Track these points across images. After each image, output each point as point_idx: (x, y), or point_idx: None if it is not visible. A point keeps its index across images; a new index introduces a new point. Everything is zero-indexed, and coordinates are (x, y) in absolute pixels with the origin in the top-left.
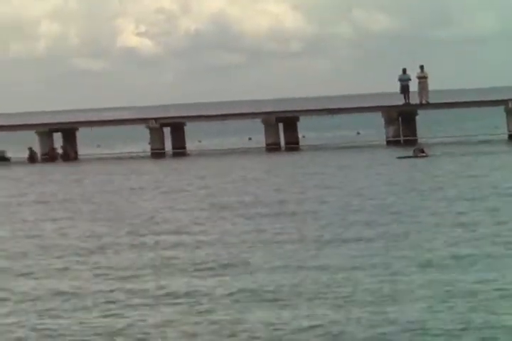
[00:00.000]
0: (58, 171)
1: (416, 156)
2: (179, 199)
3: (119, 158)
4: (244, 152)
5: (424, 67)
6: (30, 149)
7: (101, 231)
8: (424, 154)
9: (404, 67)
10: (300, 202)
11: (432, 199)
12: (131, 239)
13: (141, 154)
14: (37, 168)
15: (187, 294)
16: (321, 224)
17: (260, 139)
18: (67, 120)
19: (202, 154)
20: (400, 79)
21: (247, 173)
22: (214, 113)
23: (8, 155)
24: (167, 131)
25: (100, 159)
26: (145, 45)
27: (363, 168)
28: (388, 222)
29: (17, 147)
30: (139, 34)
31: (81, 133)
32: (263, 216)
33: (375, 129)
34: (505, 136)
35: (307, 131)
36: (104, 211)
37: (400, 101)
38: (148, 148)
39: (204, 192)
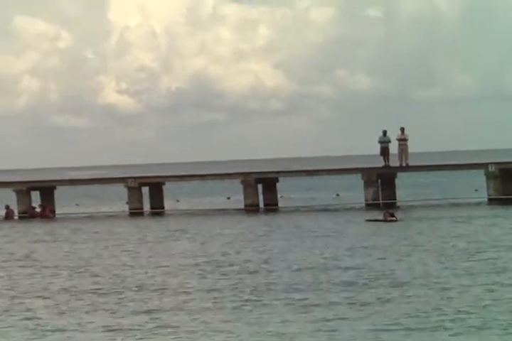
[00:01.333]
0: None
1: (385, 220)
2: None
3: (96, 217)
4: (223, 213)
5: (405, 129)
6: (7, 207)
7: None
8: (393, 218)
9: (385, 129)
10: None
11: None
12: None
13: (119, 213)
14: (11, 225)
15: None
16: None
17: (239, 199)
18: (46, 178)
19: (180, 214)
20: (380, 141)
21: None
22: (193, 172)
23: None
24: (146, 190)
25: (77, 218)
26: (126, 102)
27: (328, 231)
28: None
29: None
30: (119, 91)
31: (60, 192)
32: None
33: (355, 191)
34: (485, 200)
35: (287, 192)
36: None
37: (380, 163)
38: (126, 207)
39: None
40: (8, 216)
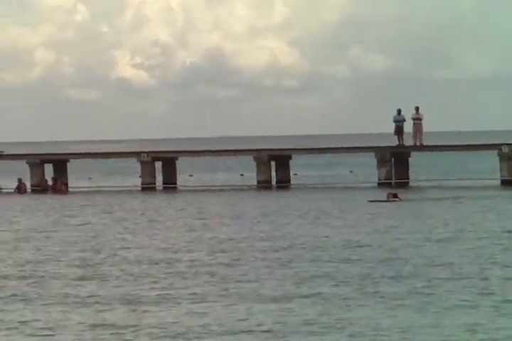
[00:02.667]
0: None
1: (387, 201)
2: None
3: (109, 192)
4: (235, 189)
5: (420, 108)
6: (20, 180)
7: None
8: (396, 199)
9: (400, 107)
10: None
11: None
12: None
13: (132, 188)
14: (24, 198)
15: None
16: None
17: (252, 176)
18: (59, 151)
19: (192, 190)
20: (395, 120)
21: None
22: (206, 148)
23: None
24: (159, 165)
25: (90, 192)
26: (140, 76)
27: (325, 211)
28: None
29: (8, 177)
30: (134, 65)
31: (72, 165)
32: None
33: (369, 168)
34: (498, 182)
35: (300, 169)
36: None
37: (394, 142)
38: (139, 181)
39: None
40: (21, 189)
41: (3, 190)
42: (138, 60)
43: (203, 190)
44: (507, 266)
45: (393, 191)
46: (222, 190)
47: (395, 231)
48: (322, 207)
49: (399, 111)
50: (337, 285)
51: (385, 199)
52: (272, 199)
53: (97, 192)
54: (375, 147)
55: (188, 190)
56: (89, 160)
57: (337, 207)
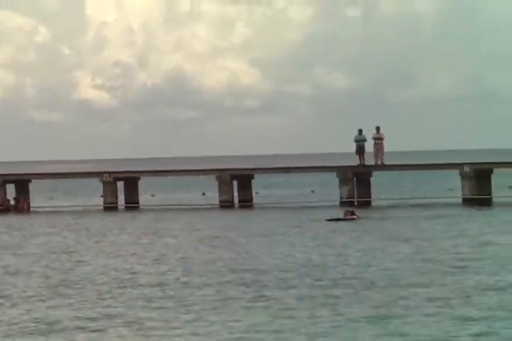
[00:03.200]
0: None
1: (345, 219)
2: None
3: (70, 212)
4: (197, 208)
5: (381, 128)
6: None
7: None
8: (355, 216)
9: (360, 127)
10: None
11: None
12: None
13: (94, 207)
14: None
15: None
16: None
17: (214, 195)
18: (21, 171)
19: (154, 209)
20: (356, 140)
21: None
22: (168, 168)
23: None
24: (121, 184)
25: (51, 212)
26: (101, 97)
27: (280, 229)
28: None
29: None
30: (95, 86)
31: (34, 185)
32: None
33: (331, 188)
34: (459, 200)
35: (262, 189)
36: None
37: (355, 161)
38: (101, 201)
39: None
40: None
41: None
42: (99, 81)
43: (165, 210)
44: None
45: (351, 209)
46: (183, 210)
47: (347, 248)
48: (278, 226)
49: (360, 131)
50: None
51: (343, 217)
52: (231, 219)
53: (59, 212)
54: (337, 166)
55: (150, 210)
56: (51, 180)
57: (294, 225)
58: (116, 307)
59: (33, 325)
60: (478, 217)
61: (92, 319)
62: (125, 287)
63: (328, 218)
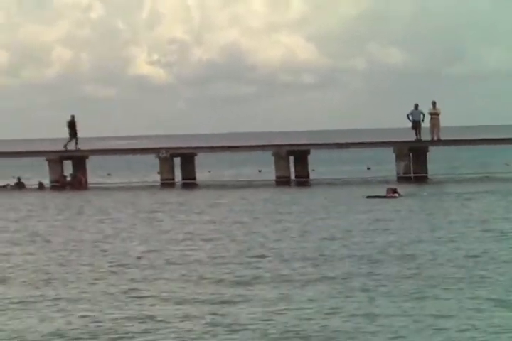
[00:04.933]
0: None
1: (386, 196)
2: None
3: (128, 188)
4: (253, 184)
5: (437, 103)
6: (19, 179)
7: None
8: (396, 194)
9: (417, 102)
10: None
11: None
12: None
13: (151, 184)
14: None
15: None
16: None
17: (270, 171)
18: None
19: (211, 185)
20: (412, 115)
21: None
22: (225, 144)
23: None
24: (177, 161)
25: (109, 188)
26: (157, 73)
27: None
28: None
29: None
30: (151, 62)
31: (91, 162)
32: None
33: (387, 164)
34: None
35: (317, 165)
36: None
37: (411, 137)
38: (157, 177)
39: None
40: (22, 185)
41: (28, 186)
42: (155, 56)
43: (222, 186)
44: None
45: (393, 187)
46: (241, 186)
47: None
48: (321, 203)
49: (416, 106)
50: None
51: (385, 194)
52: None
53: (117, 188)
54: (394, 142)
55: (207, 186)
56: (108, 156)
57: (335, 202)
58: None
59: None
60: None
61: None
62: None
63: (369, 195)
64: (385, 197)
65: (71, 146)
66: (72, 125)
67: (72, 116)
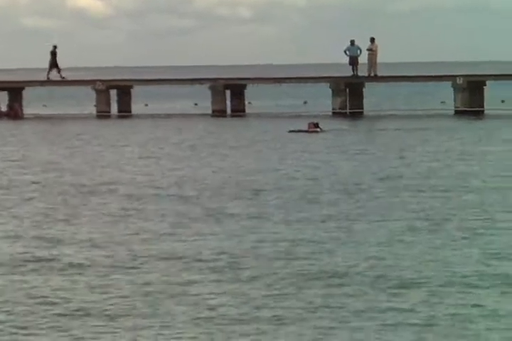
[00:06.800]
0: None
1: (308, 131)
2: None
3: (64, 118)
4: (189, 117)
5: (375, 39)
6: None
7: None
8: (317, 129)
9: (353, 38)
10: None
11: None
12: None
13: (87, 116)
14: None
15: None
16: None
17: (206, 105)
18: (14, 79)
19: (147, 117)
20: (349, 51)
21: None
22: (162, 77)
23: None
24: (114, 93)
25: (45, 118)
26: (96, 5)
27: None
28: None
29: None
30: None
31: (27, 93)
32: None
33: (324, 100)
34: (452, 112)
35: (254, 99)
36: None
37: (348, 72)
38: (94, 109)
39: None
40: None
41: None
42: None
43: (157, 118)
44: None
45: (314, 121)
46: (176, 118)
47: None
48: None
49: (352, 42)
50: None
51: (306, 129)
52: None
53: (52, 118)
54: (330, 77)
55: (143, 118)
56: (45, 88)
57: (257, 137)
58: None
59: None
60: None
61: None
62: None
63: (292, 129)
64: (306, 131)
65: (52, 76)
66: (53, 55)
67: (54, 46)
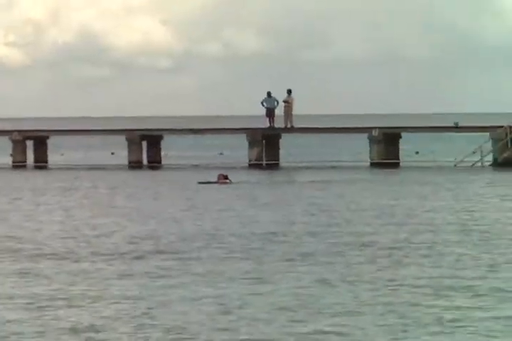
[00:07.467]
0: None
1: (218, 182)
2: None
3: None
4: (106, 168)
5: (292, 91)
6: None
7: None
8: (227, 181)
9: (270, 90)
10: None
11: None
12: None
13: (2, 166)
14: None
15: None
16: None
17: (123, 155)
18: None
19: (63, 168)
20: (265, 103)
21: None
22: (79, 128)
23: None
24: (30, 143)
25: None
26: (12, 55)
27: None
28: None
29: None
30: (7, 44)
31: None
32: None
33: (241, 151)
34: (367, 164)
35: (171, 150)
36: None
37: (265, 124)
38: (10, 160)
39: None
40: None
41: None
42: (11, 38)
43: (73, 169)
44: None
45: (224, 173)
46: (93, 169)
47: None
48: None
49: (269, 94)
50: None
51: (216, 180)
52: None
53: None
54: (247, 129)
55: (59, 168)
56: None
57: (168, 188)
58: None
59: None
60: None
61: None
62: None
63: (201, 181)
64: (216, 182)
65: None
66: None
67: None
